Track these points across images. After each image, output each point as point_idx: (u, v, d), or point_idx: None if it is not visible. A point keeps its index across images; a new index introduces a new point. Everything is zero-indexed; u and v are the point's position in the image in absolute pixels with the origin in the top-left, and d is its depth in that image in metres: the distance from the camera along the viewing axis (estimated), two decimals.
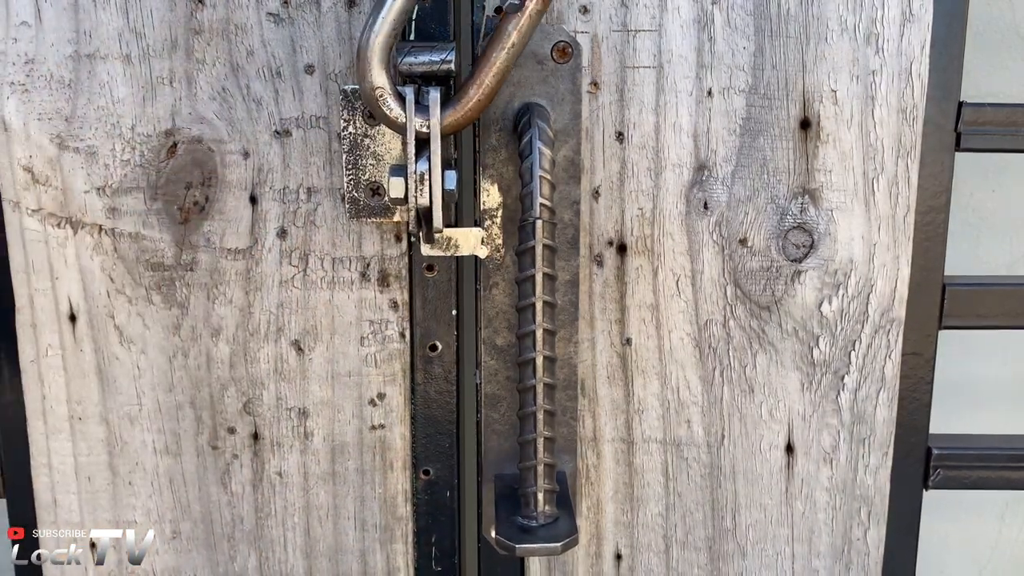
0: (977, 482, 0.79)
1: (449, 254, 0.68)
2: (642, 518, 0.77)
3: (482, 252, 0.68)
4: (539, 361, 0.64)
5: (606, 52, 0.68)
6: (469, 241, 0.68)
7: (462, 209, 0.73)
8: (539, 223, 0.63)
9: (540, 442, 0.64)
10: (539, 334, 0.64)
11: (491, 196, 0.69)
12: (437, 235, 0.66)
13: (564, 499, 0.68)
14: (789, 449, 0.76)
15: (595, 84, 0.69)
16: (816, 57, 0.69)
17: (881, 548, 0.79)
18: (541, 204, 0.63)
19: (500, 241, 0.69)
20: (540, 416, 0.64)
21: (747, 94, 0.69)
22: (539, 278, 0.63)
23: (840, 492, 0.77)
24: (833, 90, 0.69)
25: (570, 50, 0.67)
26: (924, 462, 0.78)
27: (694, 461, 0.76)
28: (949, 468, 0.78)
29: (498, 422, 0.73)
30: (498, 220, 0.69)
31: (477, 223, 0.70)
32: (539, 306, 0.64)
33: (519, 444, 0.66)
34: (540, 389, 0.64)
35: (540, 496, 0.65)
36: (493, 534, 0.65)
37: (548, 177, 0.64)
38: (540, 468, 0.65)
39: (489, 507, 0.71)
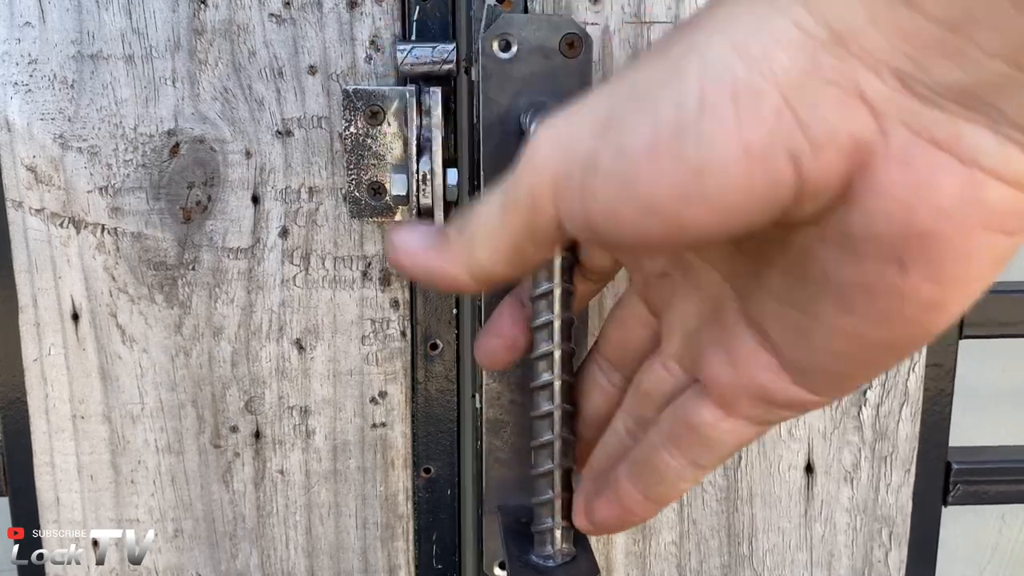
0: (997, 497, 0.76)
1: None
2: (654, 547, 0.75)
3: None
4: (557, 386, 0.55)
5: (618, 45, 0.65)
6: None
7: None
8: None
9: (558, 475, 0.56)
10: (557, 355, 0.55)
11: None
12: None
13: (580, 535, 0.59)
14: (809, 469, 0.73)
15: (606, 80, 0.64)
16: None
17: (902, 570, 0.76)
18: None
19: None
20: (558, 446, 0.56)
21: None
22: (557, 293, 0.54)
23: (861, 512, 0.74)
24: None
25: (580, 43, 0.61)
26: (944, 477, 0.75)
27: (709, 485, 0.74)
28: (969, 483, 0.75)
29: (501, 449, 0.67)
30: None
31: None
32: (557, 325, 0.55)
33: (533, 476, 0.57)
34: (558, 416, 0.56)
35: (558, 533, 0.57)
36: None
37: None
38: (558, 503, 0.56)
39: (491, 541, 0.66)
